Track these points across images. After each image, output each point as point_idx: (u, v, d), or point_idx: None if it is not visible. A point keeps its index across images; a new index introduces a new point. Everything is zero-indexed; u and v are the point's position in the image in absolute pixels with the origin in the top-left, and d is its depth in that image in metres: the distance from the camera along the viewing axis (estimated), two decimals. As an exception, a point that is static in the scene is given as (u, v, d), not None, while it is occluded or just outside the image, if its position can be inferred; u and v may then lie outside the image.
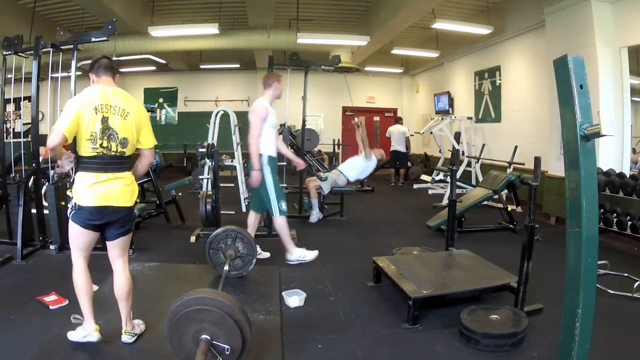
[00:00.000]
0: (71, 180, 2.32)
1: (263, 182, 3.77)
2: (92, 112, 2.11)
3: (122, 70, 11.01)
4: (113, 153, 2.18)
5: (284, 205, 3.83)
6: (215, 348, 1.89)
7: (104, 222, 2.23)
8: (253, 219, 4.06)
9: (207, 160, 5.37)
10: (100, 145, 2.14)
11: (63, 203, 3.99)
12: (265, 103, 3.81)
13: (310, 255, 3.91)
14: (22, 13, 6.84)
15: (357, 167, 5.99)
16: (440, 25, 6.85)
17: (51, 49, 4.05)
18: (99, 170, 2.16)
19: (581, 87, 1.36)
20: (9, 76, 4.32)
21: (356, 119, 6.39)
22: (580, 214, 1.38)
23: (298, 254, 3.90)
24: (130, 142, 2.24)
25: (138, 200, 2.43)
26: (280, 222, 3.83)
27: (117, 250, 2.36)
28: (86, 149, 2.13)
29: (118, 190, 2.19)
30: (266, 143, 3.79)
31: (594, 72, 4.78)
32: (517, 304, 2.72)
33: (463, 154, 8.05)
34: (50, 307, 2.82)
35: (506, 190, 5.46)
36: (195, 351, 1.84)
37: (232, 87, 11.88)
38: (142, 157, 2.43)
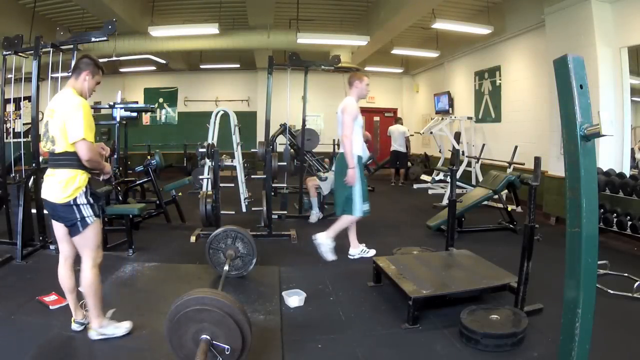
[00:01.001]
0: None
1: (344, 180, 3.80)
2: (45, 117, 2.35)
3: (122, 70, 11.06)
4: (47, 150, 2.34)
5: (366, 207, 3.86)
6: (215, 348, 1.89)
7: (50, 214, 2.41)
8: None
9: (207, 160, 5.37)
10: (44, 146, 2.36)
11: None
12: (353, 101, 3.89)
13: (370, 252, 4.04)
14: (22, 13, 6.84)
15: None
16: (440, 25, 6.85)
17: (51, 49, 4.05)
18: (48, 166, 2.37)
19: (581, 87, 1.36)
20: (9, 76, 4.32)
21: None
22: (580, 214, 1.38)
23: (360, 249, 4.05)
24: (59, 139, 2.25)
25: (79, 202, 2.27)
26: (350, 219, 3.88)
27: (77, 247, 2.42)
28: None
29: (49, 186, 2.32)
30: (356, 142, 3.84)
31: (594, 72, 4.78)
32: (517, 304, 2.72)
33: (463, 154, 8.05)
34: (50, 307, 2.82)
35: (506, 190, 5.46)
36: (195, 351, 1.84)
37: (232, 87, 11.88)
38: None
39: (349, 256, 4.03)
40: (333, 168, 5.99)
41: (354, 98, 3.95)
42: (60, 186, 2.26)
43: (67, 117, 2.21)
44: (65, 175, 2.27)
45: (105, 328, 2.39)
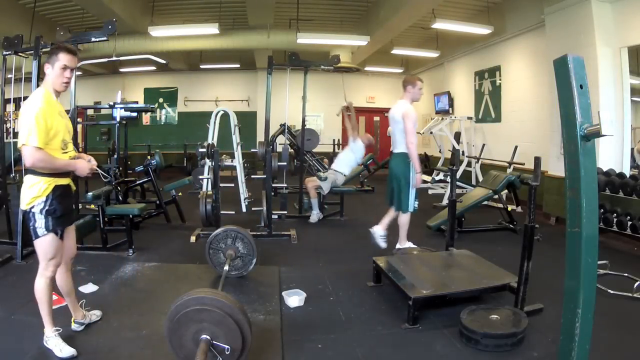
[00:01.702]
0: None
1: (407, 181, 4.02)
2: None
3: (122, 70, 11.06)
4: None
5: (417, 204, 4.13)
6: (215, 348, 1.89)
7: None
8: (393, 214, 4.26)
9: (207, 160, 5.37)
10: None
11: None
12: (411, 106, 4.04)
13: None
14: (22, 13, 6.84)
15: (347, 159, 5.90)
16: (440, 25, 6.84)
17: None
18: None
19: (581, 87, 1.36)
20: (9, 76, 4.32)
21: (347, 101, 6.32)
22: (580, 214, 1.38)
23: (407, 245, 4.18)
24: (19, 143, 2.12)
25: (35, 210, 2.17)
26: (406, 218, 4.12)
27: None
28: None
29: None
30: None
31: (594, 72, 4.78)
32: (517, 304, 2.72)
33: (463, 154, 8.05)
34: (50, 307, 2.82)
35: (506, 190, 5.46)
36: (195, 351, 1.84)
37: (232, 87, 11.88)
38: None
39: (395, 250, 4.17)
40: (332, 167, 6.02)
41: (408, 101, 4.07)
42: (24, 192, 2.19)
43: (19, 120, 2.11)
44: (29, 181, 2.18)
45: (49, 340, 2.24)
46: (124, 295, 3.17)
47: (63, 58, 2.16)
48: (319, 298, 3.13)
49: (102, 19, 5.01)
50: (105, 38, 3.97)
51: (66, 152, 2.27)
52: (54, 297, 2.92)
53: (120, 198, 5.01)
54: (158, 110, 11.91)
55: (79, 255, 3.88)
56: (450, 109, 9.54)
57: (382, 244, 4.22)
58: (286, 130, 6.91)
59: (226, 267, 3.12)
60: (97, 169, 2.43)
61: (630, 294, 3.08)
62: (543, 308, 2.84)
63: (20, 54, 4.18)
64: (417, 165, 4.00)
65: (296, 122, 7.10)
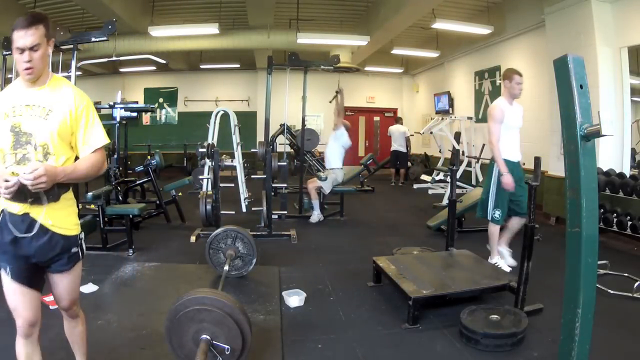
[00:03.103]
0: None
1: (489, 183, 3.62)
2: None
3: (122, 70, 11.06)
4: None
5: (497, 214, 3.59)
6: (215, 348, 1.89)
7: None
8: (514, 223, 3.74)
9: (207, 160, 5.37)
10: None
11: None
12: (499, 103, 3.60)
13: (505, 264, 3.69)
14: (22, 13, 6.78)
15: (335, 152, 5.80)
16: (440, 25, 6.85)
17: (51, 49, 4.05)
18: None
19: (581, 87, 1.36)
20: (9, 76, 4.32)
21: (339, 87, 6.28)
22: (580, 214, 1.38)
23: (495, 260, 3.72)
24: None
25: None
26: (491, 229, 3.67)
27: None
28: None
29: None
30: (503, 146, 3.56)
31: (594, 72, 4.78)
32: (517, 304, 2.72)
33: (463, 154, 8.04)
34: (51, 307, 2.81)
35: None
36: (195, 351, 1.84)
37: (232, 87, 11.88)
38: None
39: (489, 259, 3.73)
40: (327, 168, 6.00)
41: (505, 99, 3.63)
42: None
43: None
44: None
45: None
46: (124, 295, 3.17)
47: (15, 38, 1.60)
48: (319, 298, 3.13)
49: (102, 19, 5.02)
50: (105, 38, 3.98)
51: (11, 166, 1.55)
52: (50, 297, 2.92)
53: (120, 198, 5.01)
54: (158, 110, 11.91)
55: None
56: (451, 108, 9.54)
57: (510, 261, 3.70)
58: (286, 130, 6.91)
59: (226, 267, 3.12)
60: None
61: (630, 294, 3.08)
62: (543, 308, 2.84)
63: (20, 54, 4.17)
64: (501, 167, 3.51)
65: (296, 122, 7.10)
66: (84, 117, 1.64)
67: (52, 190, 1.57)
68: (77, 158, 1.68)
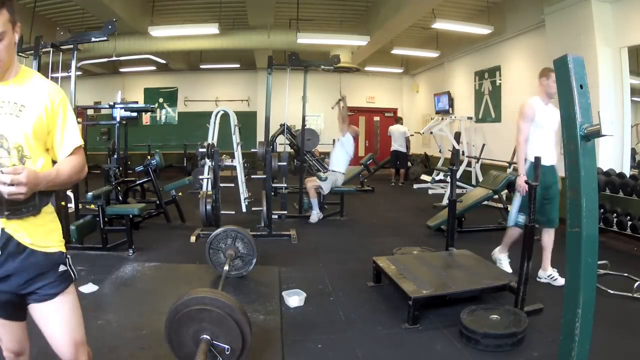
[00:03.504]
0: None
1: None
2: None
3: (122, 70, 11.06)
4: None
5: (521, 219, 3.39)
6: (215, 348, 1.89)
7: None
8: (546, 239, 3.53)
9: (207, 160, 5.37)
10: None
11: (63, 203, 3.99)
12: (532, 101, 3.35)
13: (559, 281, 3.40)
14: (22, 13, 6.83)
15: (341, 157, 5.88)
16: (440, 25, 6.85)
17: (51, 49, 4.05)
18: None
19: (581, 87, 1.36)
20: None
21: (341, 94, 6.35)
22: (580, 214, 1.38)
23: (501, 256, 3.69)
24: None
25: None
26: (510, 232, 3.57)
27: None
28: None
29: None
30: (532, 147, 3.34)
31: (594, 72, 4.78)
32: (517, 304, 2.72)
33: (463, 154, 8.05)
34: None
35: (506, 190, 5.46)
36: (195, 351, 1.84)
37: (232, 87, 11.88)
38: None
39: (537, 279, 3.45)
40: (329, 169, 6.02)
41: (539, 97, 3.36)
42: None
43: None
44: None
45: None
46: (124, 295, 3.17)
47: None
48: (319, 298, 3.13)
49: (102, 19, 5.02)
50: (105, 38, 3.98)
51: None
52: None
53: (120, 198, 5.01)
54: (158, 110, 11.90)
55: (79, 255, 3.91)
56: (451, 108, 9.53)
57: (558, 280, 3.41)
58: (286, 130, 6.91)
59: (226, 267, 3.12)
60: None
61: (630, 294, 3.08)
62: (543, 308, 2.84)
63: (20, 54, 4.18)
64: (520, 167, 3.35)
65: (296, 122, 7.10)
66: (60, 112, 1.40)
67: (32, 201, 1.31)
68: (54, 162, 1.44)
